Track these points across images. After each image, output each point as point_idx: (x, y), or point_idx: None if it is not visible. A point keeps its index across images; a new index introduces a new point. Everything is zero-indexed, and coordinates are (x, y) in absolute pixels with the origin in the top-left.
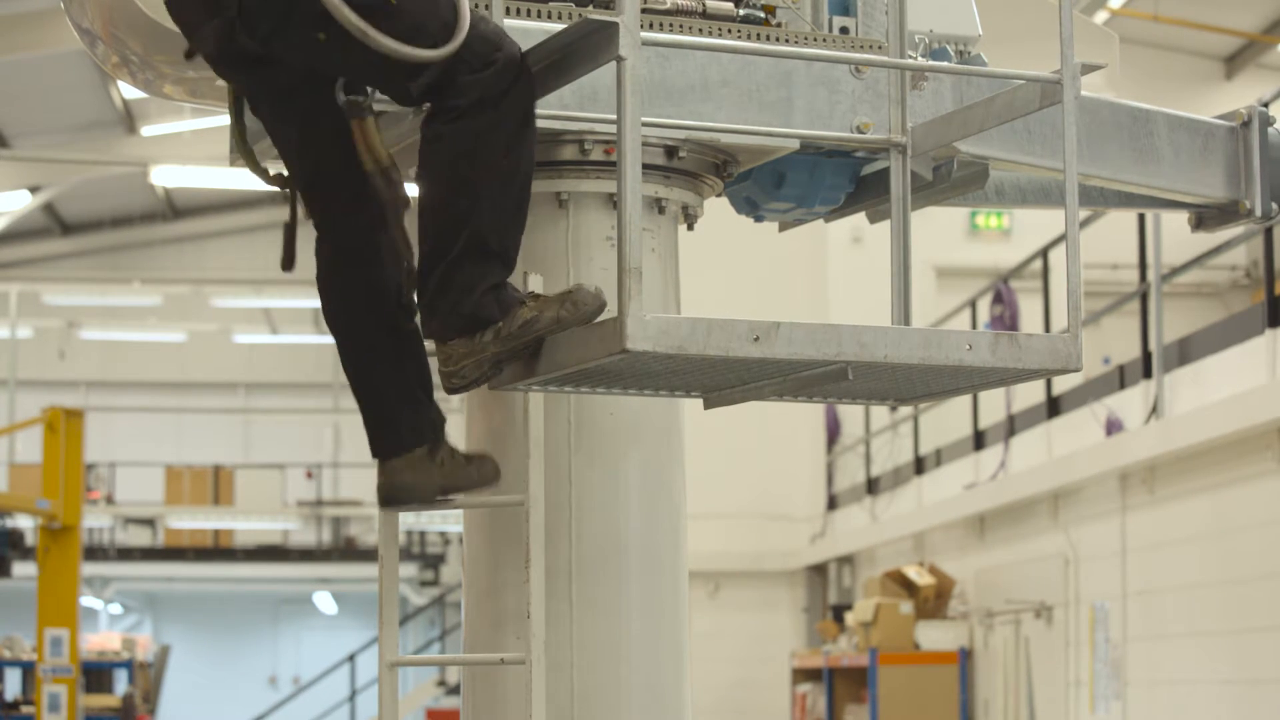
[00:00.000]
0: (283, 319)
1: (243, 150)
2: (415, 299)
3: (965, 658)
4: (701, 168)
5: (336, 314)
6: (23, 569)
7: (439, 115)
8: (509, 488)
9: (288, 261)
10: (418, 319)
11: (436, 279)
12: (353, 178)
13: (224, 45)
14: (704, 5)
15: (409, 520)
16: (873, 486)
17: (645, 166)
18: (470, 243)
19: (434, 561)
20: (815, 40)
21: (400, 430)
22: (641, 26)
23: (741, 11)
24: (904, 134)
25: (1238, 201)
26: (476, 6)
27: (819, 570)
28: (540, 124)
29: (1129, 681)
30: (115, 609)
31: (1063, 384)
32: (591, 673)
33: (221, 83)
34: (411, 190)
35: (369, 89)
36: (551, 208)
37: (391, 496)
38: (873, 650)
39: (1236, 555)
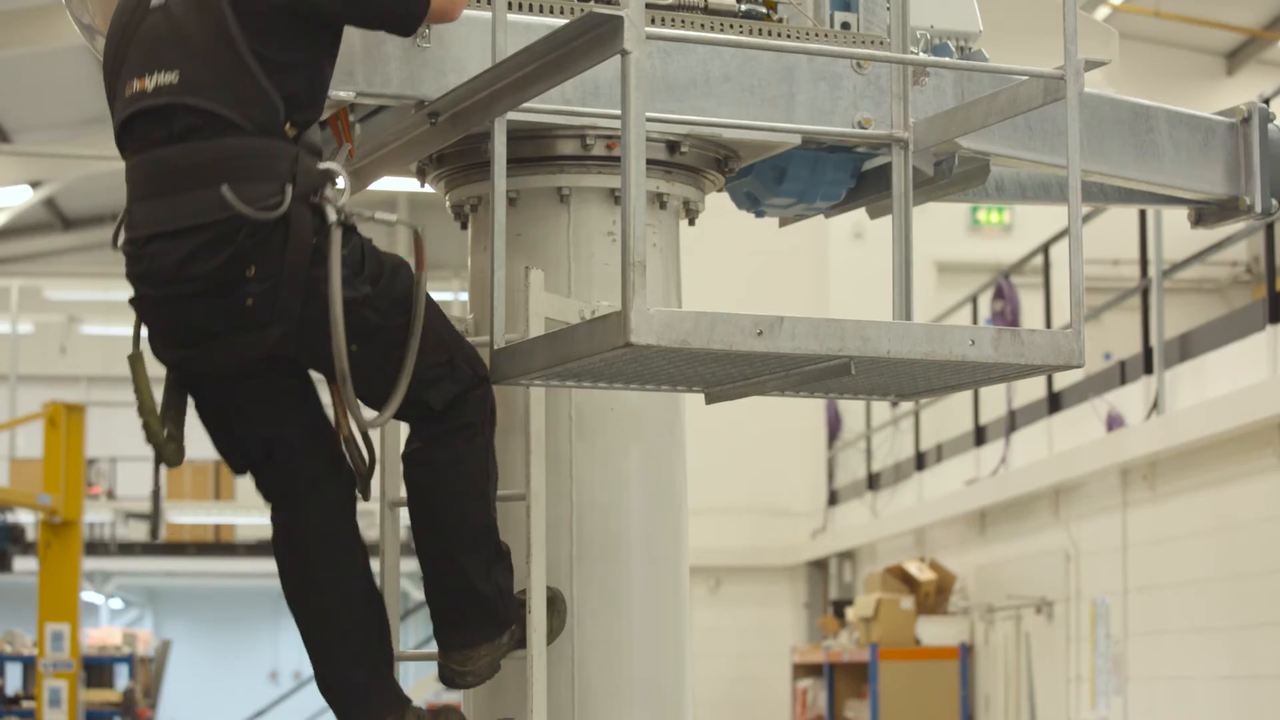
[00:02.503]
0: None
1: (156, 417)
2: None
3: (966, 653)
4: (703, 163)
5: (304, 592)
6: (24, 564)
7: (456, 435)
8: (510, 482)
9: (155, 533)
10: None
11: (465, 589)
12: (325, 451)
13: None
14: (706, 1)
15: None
16: (874, 482)
17: (647, 162)
18: (496, 550)
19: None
20: (817, 35)
21: (369, 702)
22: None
23: (743, 7)
24: (905, 129)
25: (1238, 197)
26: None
27: (820, 565)
28: (542, 118)
29: (1130, 677)
30: (116, 604)
31: (1064, 380)
32: (592, 667)
33: None
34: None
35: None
36: (552, 203)
37: None
38: (873, 646)
39: (1237, 551)
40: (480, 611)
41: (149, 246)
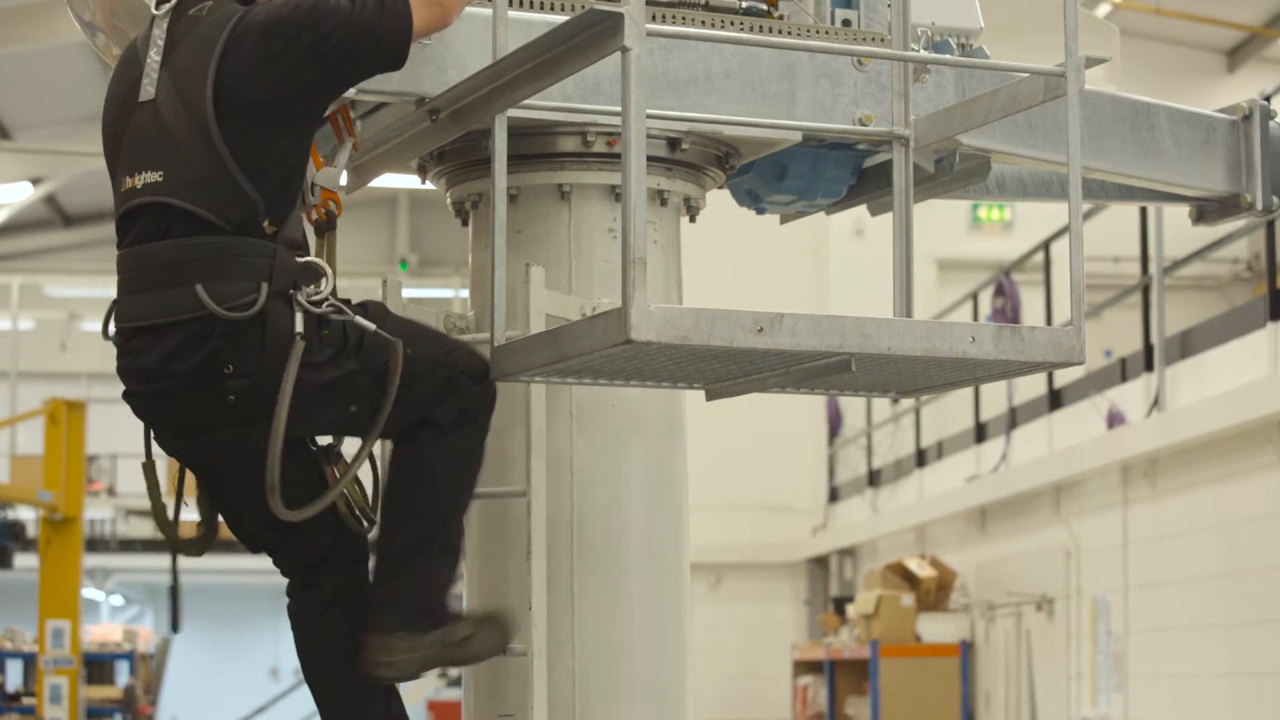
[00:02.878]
0: None
1: (169, 523)
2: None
3: (966, 650)
4: (704, 160)
5: (320, 664)
6: (24, 560)
7: (461, 424)
8: (510, 479)
9: (176, 624)
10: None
11: (409, 571)
12: (325, 527)
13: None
14: None
15: None
16: (874, 479)
17: (648, 158)
18: (450, 541)
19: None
20: (818, 33)
21: None
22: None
23: (744, 4)
24: (906, 127)
25: (1239, 195)
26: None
27: (820, 562)
28: (543, 115)
29: (1130, 674)
30: (117, 600)
31: (1064, 377)
32: (593, 665)
33: None
34: None
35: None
36: (553, 199)
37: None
38: (874, 642)
39: (1238, 548)
40: (411, 593)
41: (134, 341)
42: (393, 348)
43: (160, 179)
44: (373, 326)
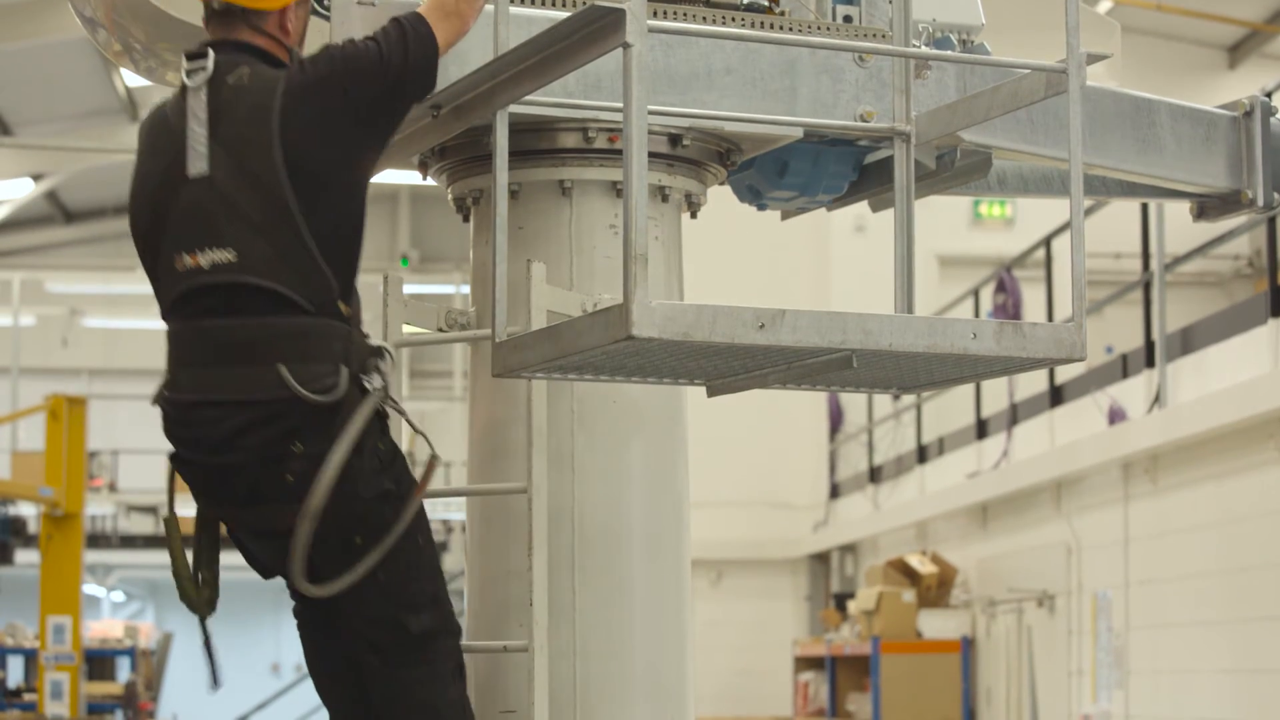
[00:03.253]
0: None
1: (191, 583)
2: None
3: (967, 646)
4: (705, 156)
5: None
6: (25, 556)
7: (421, 669)
8: (511, 474)
9: (216, 679)
10: None
11: None
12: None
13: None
14: None
15: None
16: (875, 475)
17: (649, 155)
18: None
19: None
20: (819, 29)
21: None
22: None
23: (745, 0)
24: (907, 123)
25: (1240, 191)
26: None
27: (821, 558)
28: (544, 111)
29: (1131, 670)
30: (118, 596)
31: (1065, 373)
32: (594, 660)
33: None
34: None
35: None
36: (554, 196)
37: None
38: (875, 639)
39: (1239, 545)
40: None
41: (196, 412)
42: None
43: (233, 258)
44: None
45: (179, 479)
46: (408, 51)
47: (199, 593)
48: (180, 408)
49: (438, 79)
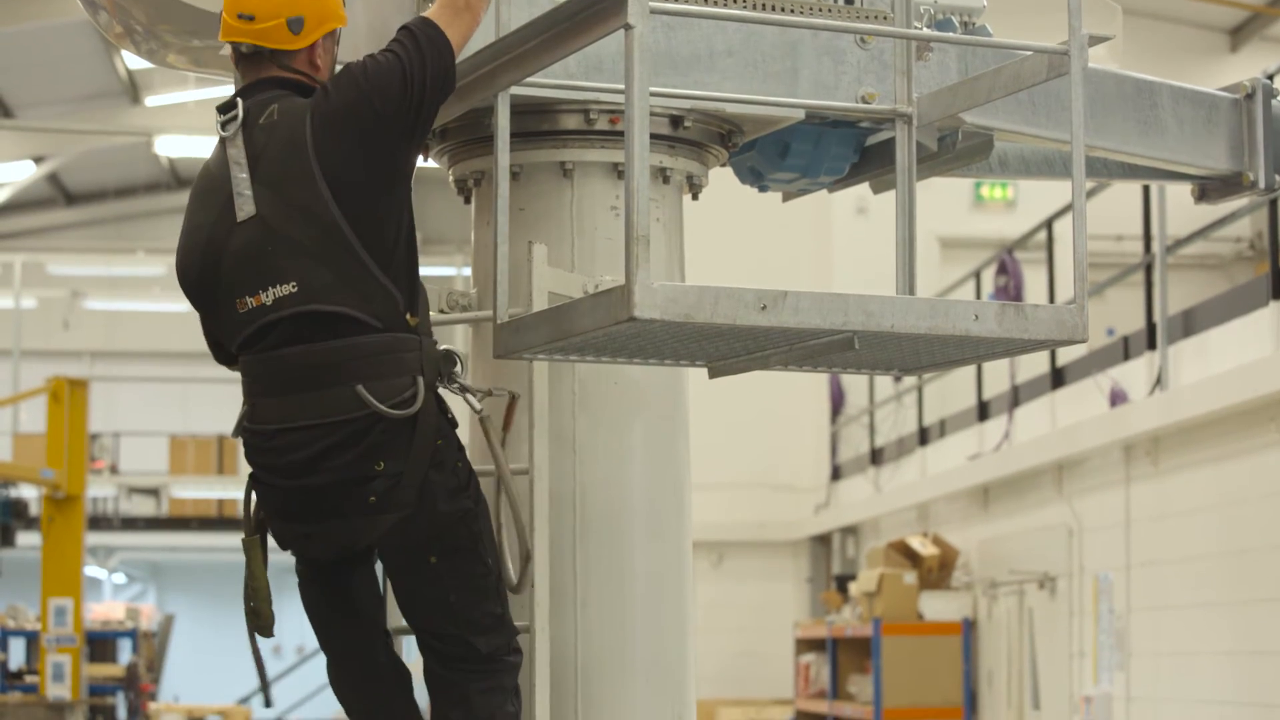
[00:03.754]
0: None
1: (269, 603)
2: None
3: (969, 628)
4: (706, 137)
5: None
6: (27, 539)
7: (490, 673)
8: (513, 456)
9: (269, 699)
10: None
11: None
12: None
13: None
14: None
15: None
16: (877, 457)
17: (651, 136)
18: None
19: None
20: (821, 10)
21: None
22: None
23: None
24: (909, 104)
25: (1241, 173)
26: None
27: (823, 540)
28: (546, 93)
29: (1132, 652)
30: (119, 579)
31: (1067, 355)
32: (595, 641)
33: (225, 51)
34: None
35: None
36: (556, 177)
37: None
38: (876, 620)
39: (1240, 527)
40: None
41: (277, 439)
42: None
43: (295, 290)
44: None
45: (255, 501)
46: (425, 61)
47: (271, 613)
48: (263, 436)
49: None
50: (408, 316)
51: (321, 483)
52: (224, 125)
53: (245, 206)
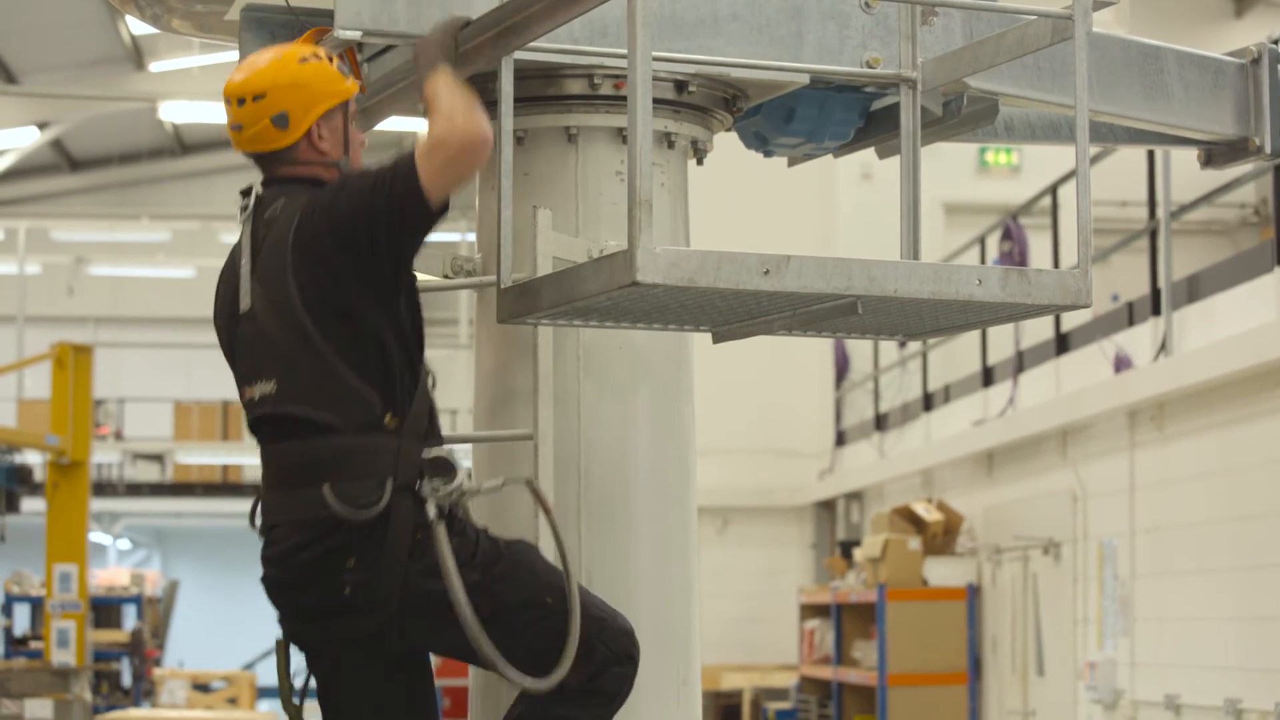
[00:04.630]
0: None
1: (295, 708)
2: None
3: (973, 594)
4: (711, 102)
5: None
6: (31, 504)
7: (577, 698)
8: (518, 421)
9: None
10: None
11: None
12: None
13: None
14: None
15: None
16: (881, 423)
17: (655, 101)
18: None
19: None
20: None
21: None
22: None
23: None
24: (914, 69)
25: (1247, 138)
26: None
27: (827, 506)
28: (550, 58)
29: (1137, 618)
30: (124, 544)
31: (1071, 320)
32: None
33: (230, 16)
34: None
35: None
36: (560, 142)
37: None
38: (881, 586)
39: (1245, 492)
40: None
41: (273, 533)
42: (535, 552)
43: (273, 390)
44: (486, 543)
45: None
46: (391, 191)
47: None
48: (264, 530)
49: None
50: (386, 418)
51: (296, 578)
52: (241, 210)
53: (244, 300)
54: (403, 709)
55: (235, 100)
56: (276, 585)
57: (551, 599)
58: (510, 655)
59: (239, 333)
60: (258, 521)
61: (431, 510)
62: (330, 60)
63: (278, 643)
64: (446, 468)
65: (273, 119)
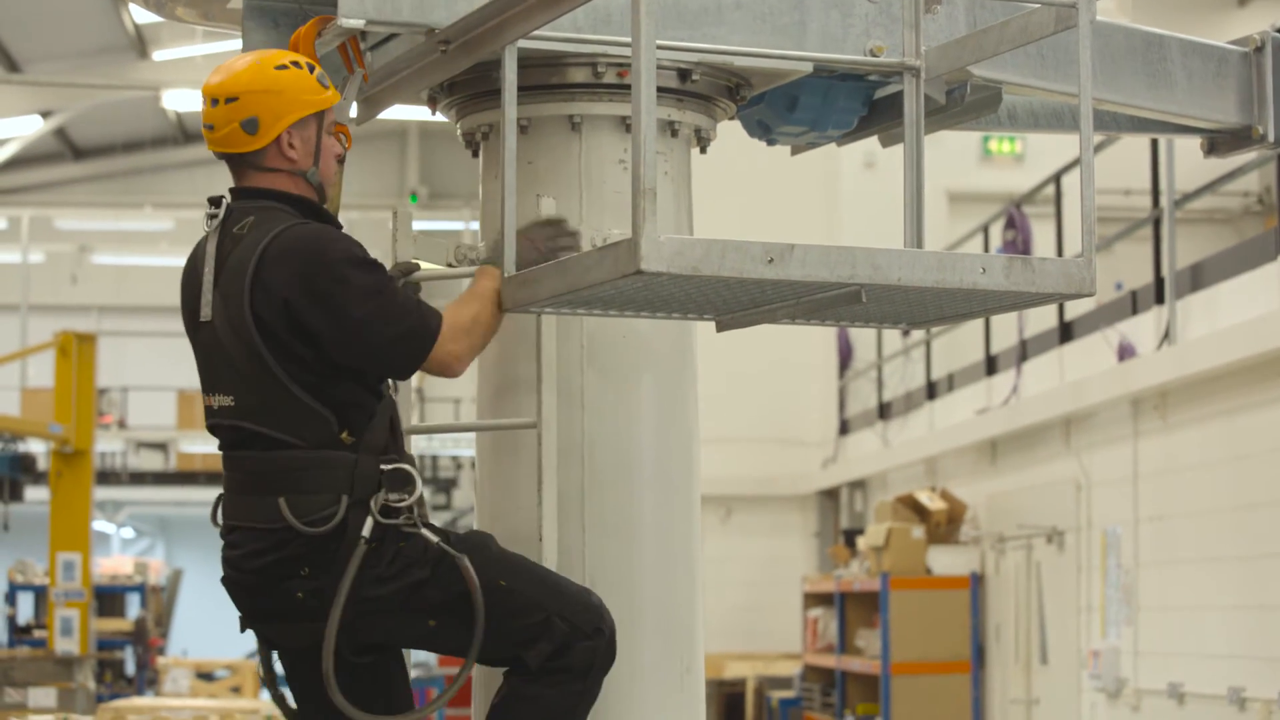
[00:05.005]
0: None
1: (284, 701)
2: None
3: (977, 582)
4: (715, 91)
5: None
6: (35, 493)
7: (544, 676)
8: (521, 410)
9: None
10: None
11: None
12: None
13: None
14: None
15: (420, 445)
16: (885, 411)
17: (658, 89)
18: None
19: (446, 486)
20: None
21: None
22: None
23: None
24: (917, 57)
25: (1250, 127)
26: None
27: (831, 495)
28: (554, 46)
29: (1140, 607)
30: (127, 533)
31: (1075, 309)
32: (604, 596)
33: (233, 4)
34: None
35: None
36: (564, 131)
37: None
38: (884, 575)
39: (1248, 481)
40: None
41: (231, 535)
42: (464, 566)
43: (231, 403)
44: (433, 539)
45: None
46: (385, 329)
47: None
48: (225, 531)
49: (449, 12)
50: (343, 435)
51: (254, 582)
52: (209, 219)
53: (205, 309)
54: (371, 690)
55: (210, 100)
56: (234, 586)
57: (505, 580)
58: (467, 640)
59: (199, 339)
60: (219, 521)
61: (367, 528)
62: (312, 70)
63: (256, 634)
64: (405, 480)
65: (242, 123)
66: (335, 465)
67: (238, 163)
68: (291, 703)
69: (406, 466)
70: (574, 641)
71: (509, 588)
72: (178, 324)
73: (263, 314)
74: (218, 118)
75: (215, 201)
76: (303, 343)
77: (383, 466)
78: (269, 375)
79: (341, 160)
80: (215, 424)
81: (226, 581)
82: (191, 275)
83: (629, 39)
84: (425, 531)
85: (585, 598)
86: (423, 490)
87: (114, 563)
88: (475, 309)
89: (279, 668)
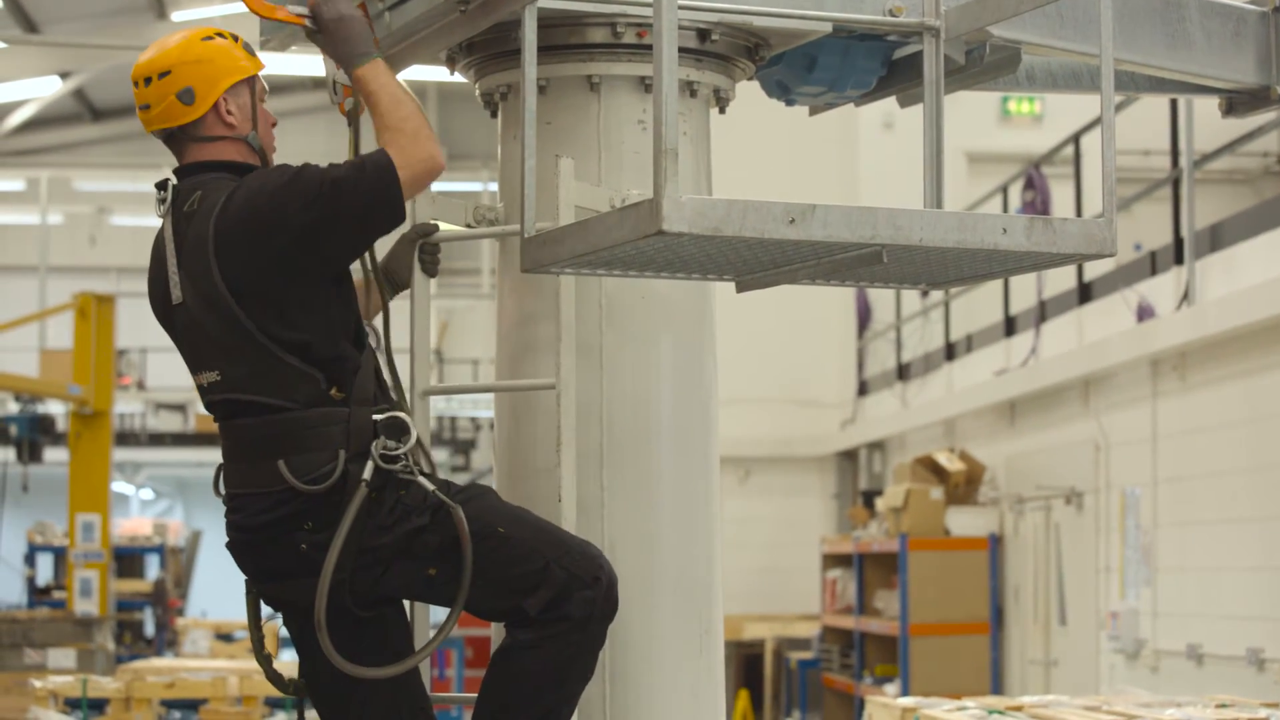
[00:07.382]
0: None
1: (266, 661)
2: None
3: (995, 543)
4: (733, 51)
5: None
6: (54, 454)
7: (547, 626)
8: (540, 370)
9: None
10: None
11: None
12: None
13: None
14: None
15: (439, 406)
16: (903, 372)
17: (678, 49)
18: None
19: (465, 447)
20: None
21: None
22: None
23: None
24: (937, 17)
25: (1269, 87)
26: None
27: (849, 456)
28: (573, 6)
29: (1159, 568)
30: (146, 494)
31: (1094, 270)
32: (623, 558)
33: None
34: None
35: None
36: (583, 91)
37: None
38: (903, 536)
39: (1267, 442)
40: None
41: (234, 501)
42: (457, 515)
43: (219, 378)
44: (430, 488)
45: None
46: (360, 185)
47: (277, 674)
48: (227, 498)
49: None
50: (333, 392)
51: (260, 540)
52: (159, 204)
53: (175, 292)
54: (374, 647)
55: (143, 80)
56: (239, 548)
57: (504, 528)
58: (472, 590)
59: (176, 322)
60: (222, 490)
61: (368, 471)
62: (236, 40)
63: (247, 596)
64: (401, 428)
65: (178, 94)
66: (330, 422)
67: (179, 140)
68: (291, 671)
69: (400, 414)
70: (573, 590)
71: (508, 535)
72: None
73: (233, 280)
74: (151, 95)
75: (161, 185)
76: (291, 279)
77: (375, 417)
78: (252, 342)
79: (355, 122)
80: (209, 400)
81: (231, 545)
82: (157, 264)
83: None
84: (422, 480)
85: (584, 548)
86: (418, 437)
87: (133, 524)
88: (399, 111)
89: (284, 632)
